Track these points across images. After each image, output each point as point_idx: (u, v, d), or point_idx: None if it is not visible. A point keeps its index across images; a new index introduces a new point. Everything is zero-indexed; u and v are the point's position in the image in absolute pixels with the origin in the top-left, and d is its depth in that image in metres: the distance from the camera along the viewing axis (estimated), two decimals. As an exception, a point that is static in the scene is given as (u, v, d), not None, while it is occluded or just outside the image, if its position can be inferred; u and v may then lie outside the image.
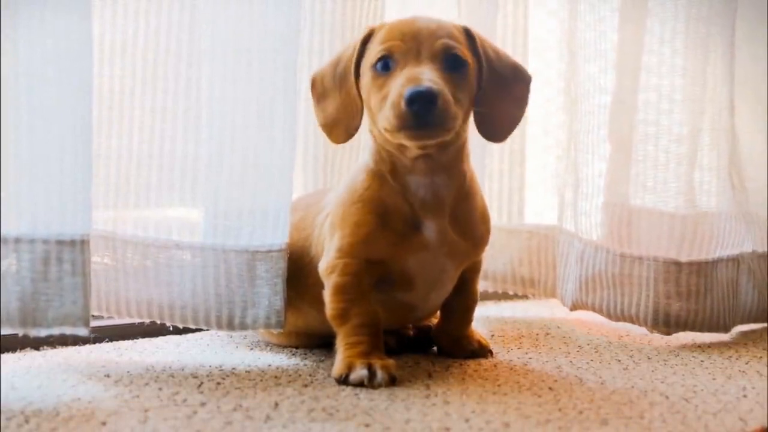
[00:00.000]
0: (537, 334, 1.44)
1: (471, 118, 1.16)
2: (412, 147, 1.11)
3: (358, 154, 1.45)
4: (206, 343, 1.32)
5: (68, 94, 1.04)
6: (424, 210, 1.14)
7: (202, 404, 0.98)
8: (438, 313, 1.29)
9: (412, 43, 1.09)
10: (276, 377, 1.12)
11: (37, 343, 1.23)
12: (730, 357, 1.31)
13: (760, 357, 1.31)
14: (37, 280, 1.02)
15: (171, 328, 1.28)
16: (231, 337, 1.36)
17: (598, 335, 1.46)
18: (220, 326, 1.20)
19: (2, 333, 1.03)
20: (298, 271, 1.22)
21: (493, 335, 1.42)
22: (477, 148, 1.40)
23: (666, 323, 1.42)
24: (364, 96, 1.13)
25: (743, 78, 1.57)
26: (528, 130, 1.65)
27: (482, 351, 1.26)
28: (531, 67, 1.61)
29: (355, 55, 1.14)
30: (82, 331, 1.04)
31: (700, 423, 0.96)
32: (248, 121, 1.18)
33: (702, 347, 1.39)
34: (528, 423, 0.94)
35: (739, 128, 1.57)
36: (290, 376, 1.13)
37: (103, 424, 0.90)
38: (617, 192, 1.49)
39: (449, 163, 1.15)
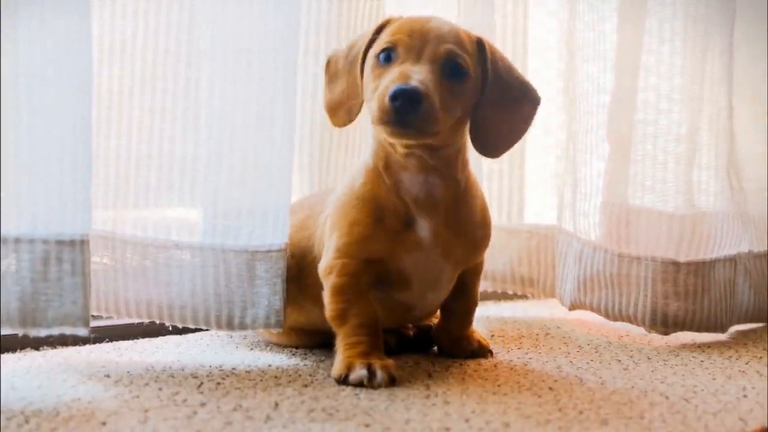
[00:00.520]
0: (537, 334, 1.44)
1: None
2: (396, 144, 1.11)
3: (354, 155, 1.45)
4: (206, 343, 1.32)
5: (68, 94, 1.03)
6: (417, 208, 1.14)
7: (202, 404, 0.98)
8: (438, 312, 1.29)
9: (417, 41, 1.09)
10: (276, 377, 1.12)
11: (37, 343, 1.23)
12: (730, 357, 1.32)
13: (760, 357, 1.31)
14: (36, 280, 1.02)
15: (171, 328, 1.28)
16: (231, 337, 1.36)
17: (598, 335, 1.46)
18: (219, 326, 1.20)
19: (2, 333, 1.03)
20: (301, 270, 1.22)
21: (493, 335, 1.42)
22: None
23: (664, 323, 1.42)
24: (364, 83, 1.13)
25: (742, 78, 1.57)
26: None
27: (482, 351, 1.26)
28: (530, 67, 1.62)
29: (366, 42, 1.14)
30: (82, 331, 1.04)
31: (700, 423, 0.96)
32: (248, 121, 1.18)
33: (702, 347, 1.39)
34: (528, 423, 0.94)
35: (738, 129, 1.57)
36: (290, 376, 1.13)
37: (103, 424, 0.90)
38: (616, 192, 1.49)
39: (441, 167, 1.14)
